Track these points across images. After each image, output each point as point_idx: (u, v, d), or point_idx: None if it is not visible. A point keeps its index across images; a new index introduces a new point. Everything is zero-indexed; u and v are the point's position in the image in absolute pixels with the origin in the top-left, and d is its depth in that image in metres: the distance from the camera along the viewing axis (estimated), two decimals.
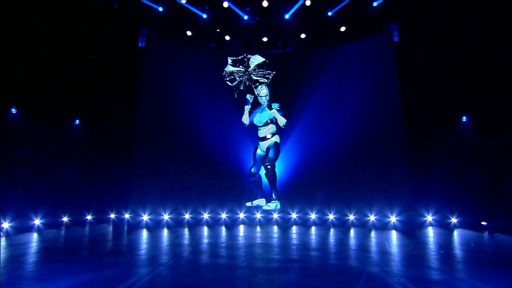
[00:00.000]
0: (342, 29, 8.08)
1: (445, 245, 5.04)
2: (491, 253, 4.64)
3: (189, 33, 8.23)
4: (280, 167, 7.82)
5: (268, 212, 7.36)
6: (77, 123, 7.42)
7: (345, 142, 7.74)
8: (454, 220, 6.64)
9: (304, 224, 7.06)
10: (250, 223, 7.21)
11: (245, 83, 7.09)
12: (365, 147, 7.54)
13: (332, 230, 6.34)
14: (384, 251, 4.45)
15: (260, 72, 6.97)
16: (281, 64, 7.87)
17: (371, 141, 7.52)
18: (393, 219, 6.97)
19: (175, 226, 6.87)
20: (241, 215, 7.57)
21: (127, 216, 7.47)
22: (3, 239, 5.15)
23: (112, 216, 7.57)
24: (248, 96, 6.85)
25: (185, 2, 7.30)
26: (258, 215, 7.52)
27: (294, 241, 5.29)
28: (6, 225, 5.92)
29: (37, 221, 6.39)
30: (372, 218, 7.12)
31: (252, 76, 7.01)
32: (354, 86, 7.88)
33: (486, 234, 5.82)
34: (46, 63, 6.62)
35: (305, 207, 7.53)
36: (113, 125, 7.76)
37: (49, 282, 3.01)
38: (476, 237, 5.61)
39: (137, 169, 7.64)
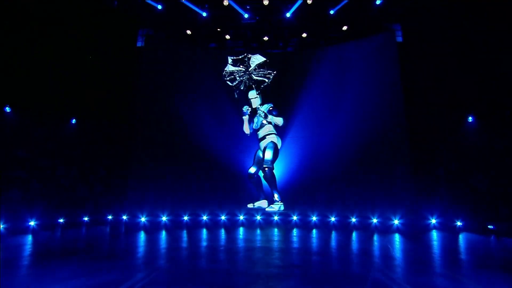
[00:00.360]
0: (344, 28, 7.98)
1: (450, 248, 4.90)
2: (498, 258, 4.49)
3: (188, 32, 8.15)
4: (280, 168, 7.71)
5: (269, 214, 7.22)
6: (73, 122, 7.29)
7: (347, 143, 7.64)
8: (459, 223, 6.50)
9: (305, 227, 6.92)
10: (250, 225, 7.07)
11: (245, 83, 7.00)
12: (367, 148, 7.43)
13: (333, 233, 6.20)
14: (388, 256, 4.32)
15: (260, 72, 6.87)
16: (282, 64, 7.78)
17: (373, 142, 7.41)
18: (396, 222, 6.84)
19: (173, 228, 6.73)
20: (241, 217, 7.44)
21: (124, 217, 7.35)
22: None
23: (109, 217, 7.44)
24: (245, 108, 6.84)
25: (185, 0, 7.21)
26: (258, 217, 7.38)
27: (295, 245, 5.15)
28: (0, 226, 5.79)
29: (32, 223, 6.26)
30: (374, 220, 6.99)
31: (253, 76, 6.91)
32: (356, 86, 7.77)
33: (492, 237, 5.67)
34: (44, 62, 6.53)
35: (306, 209, 7.39)
36: (111, 125, 7.66)
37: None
38: (482, 241, 5.47)
39: (135, 170, 7.53)
